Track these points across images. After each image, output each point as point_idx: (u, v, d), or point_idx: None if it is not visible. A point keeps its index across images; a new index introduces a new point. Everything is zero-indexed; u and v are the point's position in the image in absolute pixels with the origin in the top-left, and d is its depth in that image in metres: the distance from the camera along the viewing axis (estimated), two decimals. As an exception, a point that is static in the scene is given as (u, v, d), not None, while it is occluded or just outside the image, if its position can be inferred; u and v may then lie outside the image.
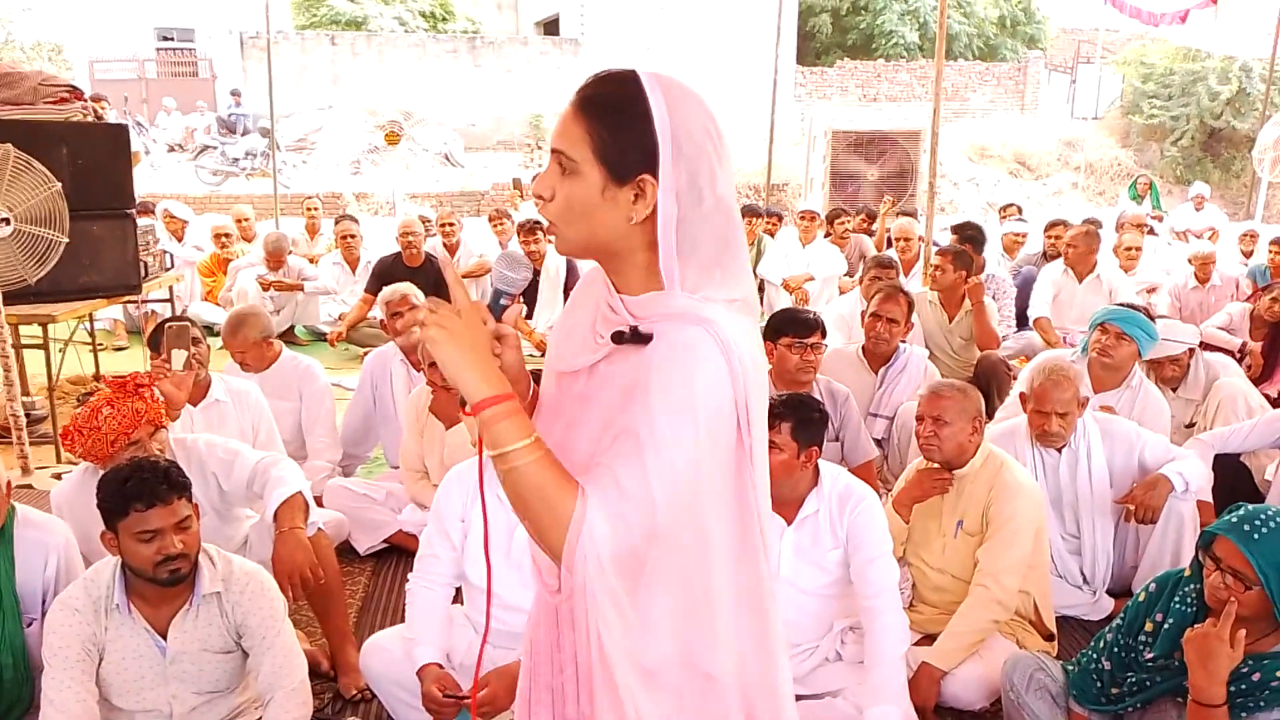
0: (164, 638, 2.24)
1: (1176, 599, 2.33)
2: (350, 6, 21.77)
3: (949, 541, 3.08)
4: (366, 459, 4.53)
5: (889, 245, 8.11)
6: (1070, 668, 2.61)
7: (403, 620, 2.99)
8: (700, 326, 1.19)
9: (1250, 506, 2.19)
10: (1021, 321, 6.50)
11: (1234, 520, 2.15)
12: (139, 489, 2.13)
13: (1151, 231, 9.52)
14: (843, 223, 8.01)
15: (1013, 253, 7.87)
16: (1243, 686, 2.14)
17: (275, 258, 7.26)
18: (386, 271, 6.53)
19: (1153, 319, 3.93)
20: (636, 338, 1.21)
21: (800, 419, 2.70)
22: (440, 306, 1.21)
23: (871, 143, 10.28)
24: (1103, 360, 3.86)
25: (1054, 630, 3.09)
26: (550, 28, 22.24)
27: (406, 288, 4.28)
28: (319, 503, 3.82)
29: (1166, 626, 2.32)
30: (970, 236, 6.40)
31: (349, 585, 3.56)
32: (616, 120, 1.20)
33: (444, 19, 22.97)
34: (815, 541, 2.74)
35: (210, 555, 2.30)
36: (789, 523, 2.74)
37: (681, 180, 1.20)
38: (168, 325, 3.49)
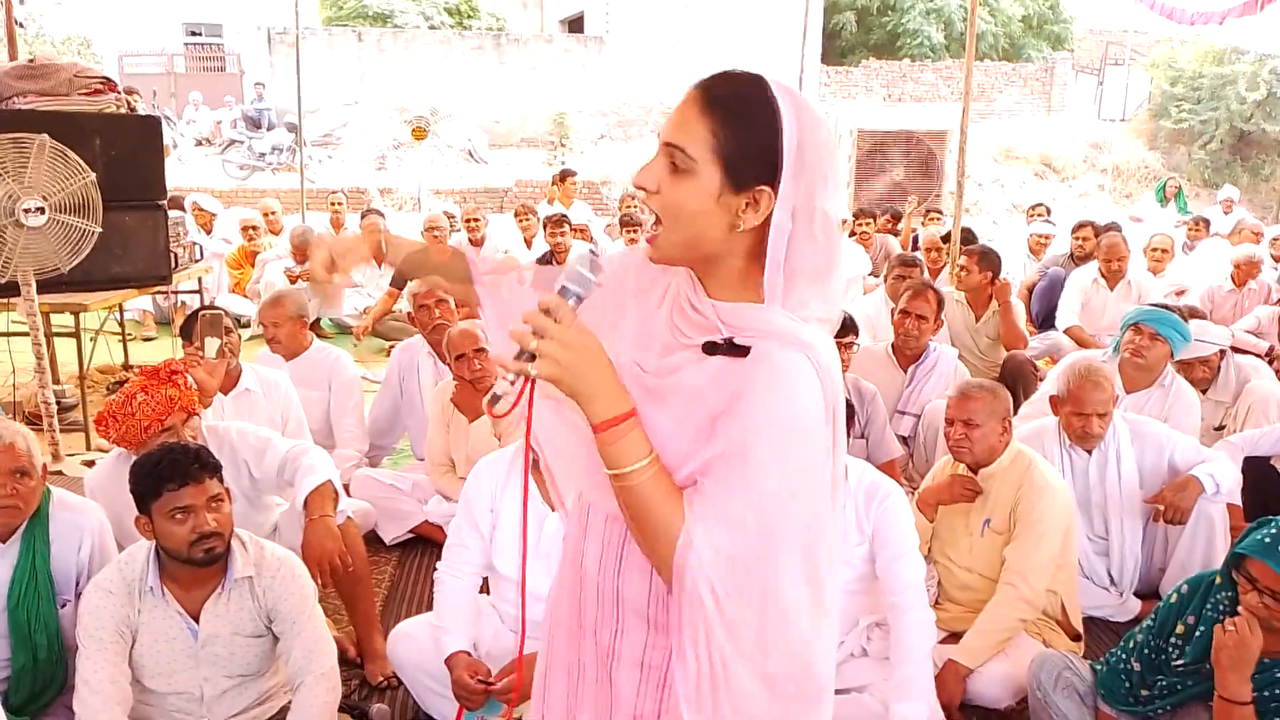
0: (196, 621, 2.27)
1: (1209, 605, 2.32)
2: (377, 2, 21.88)
3: (976, 540, 3.07)
4: (393, 450, 4.56)
5: (914, 246, 8.08)
6: (1098, 667, 2.60)
7: (429, 609, 3.02)
8: (803, 352, 1.17)
9: (1278, 522, 2.17)
10: (1047, 322, 6.46)
11: (1266, 542, 2.12)
12: (171, 469, 2.16)
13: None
14: (864, 223, 7.98)
15: (1038, 254, 7.82)
16: (1276, 691, 2.13)
17: (301, 250, 7.31)
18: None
19: (1185, 319, 3.90)
20: (733, 349, 1.19)
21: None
22: (539, 323, 1.14)
23: (896, 142, 10.23)
24: (1135, 361, 3.83)
25: (1081, 631, 3.08)
26: (575, 25, 22.26)
27: (434, 280, 4.29)
28: (346, 492, 3.86)
29: (1199, 633, 2.30)
30: (973, 239, 6.40)
31: (375, 574, 3.58)
32: (745, 124, 1.16)
33: (469, 15, 23.05)
34: (842, 536, 2.73)
35: (243, 540, 2.33)
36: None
37: (800, 195, 1.17)
38: (202, 314, 3.52)
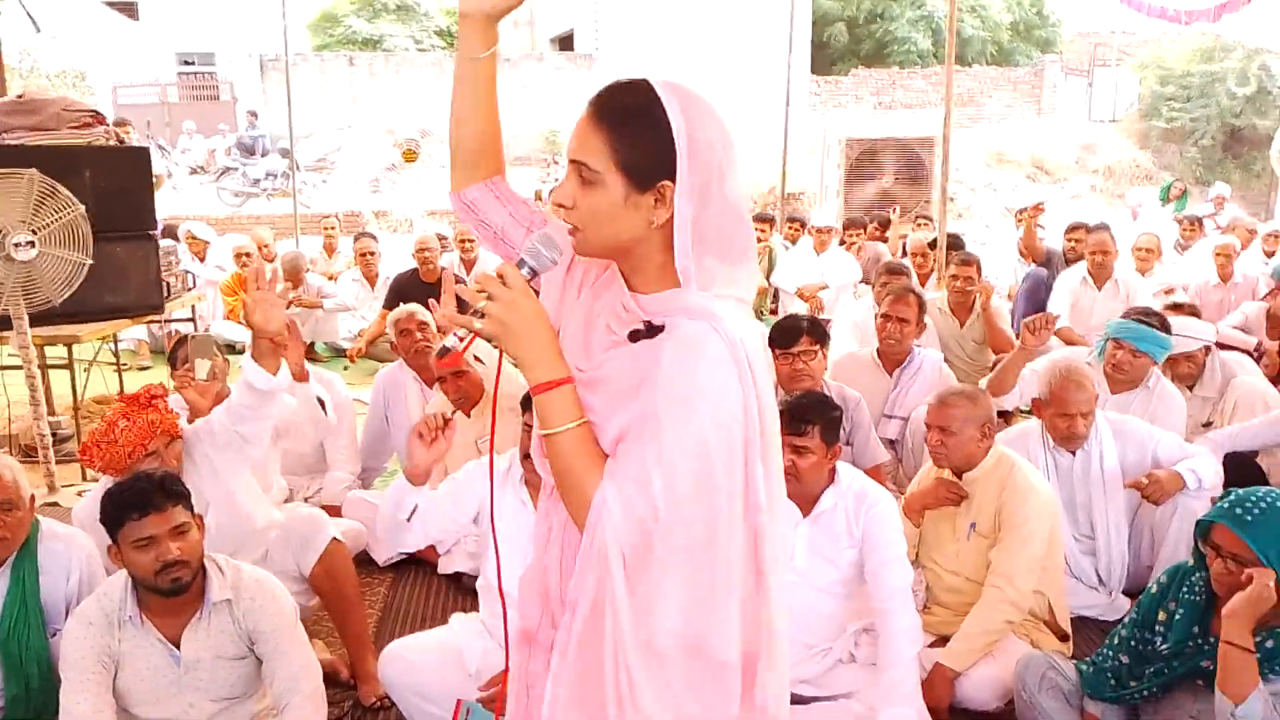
0: (177, 647, 2.28)
1: (1185, 589, 2.38)
2: (367, 27, 22.03)
3: (962, 544, 3.09)
4: (384, 471, 4.59)
5: (903, 253, 8.11)
6: (1084, 667, 2.62)
7: (423, 629, 3.04)
8: (708, 322, 1.24)
9: (1240, 491, 2.24)
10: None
11: (1226, 506, 2.21)
12: (133, 498, 2.18)
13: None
14: (854, 234, 8.02)
15: (1026, 256, 7.83)
16: (1259, 656, 2.15)
17: (293, 276, 7.36)
18: (404, 287, 6.60)
19: (1167, 327, 3.91)
20: (652, 331, 1.27)
21: (827, 420, 2.74)
22: (492, 287, 1.25)
23: (886, 150, 10.28)
24: (1117, 376, 3.87)
25: (1069, 631, 3.09)
26: (565, 43, 22.39)
27: (413, 307, 4.36)
28: (338, 513, 3.89)
29: (1178, 616, 2.35)
30: (960, 244, 6.44)
31: (368, 595, 3.60)
32: (636, 129, 1.25)
33: (460, 37, 23.18)
34: (830, 538, 2.76)
35: (219, 564, 2.35)
36: (804, 516, 2.76)
37: (697, 183, 1.25)
38: (191, 336, 3.56)
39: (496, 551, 1.49)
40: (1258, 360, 5.53)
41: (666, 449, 1.22)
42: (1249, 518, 2.14)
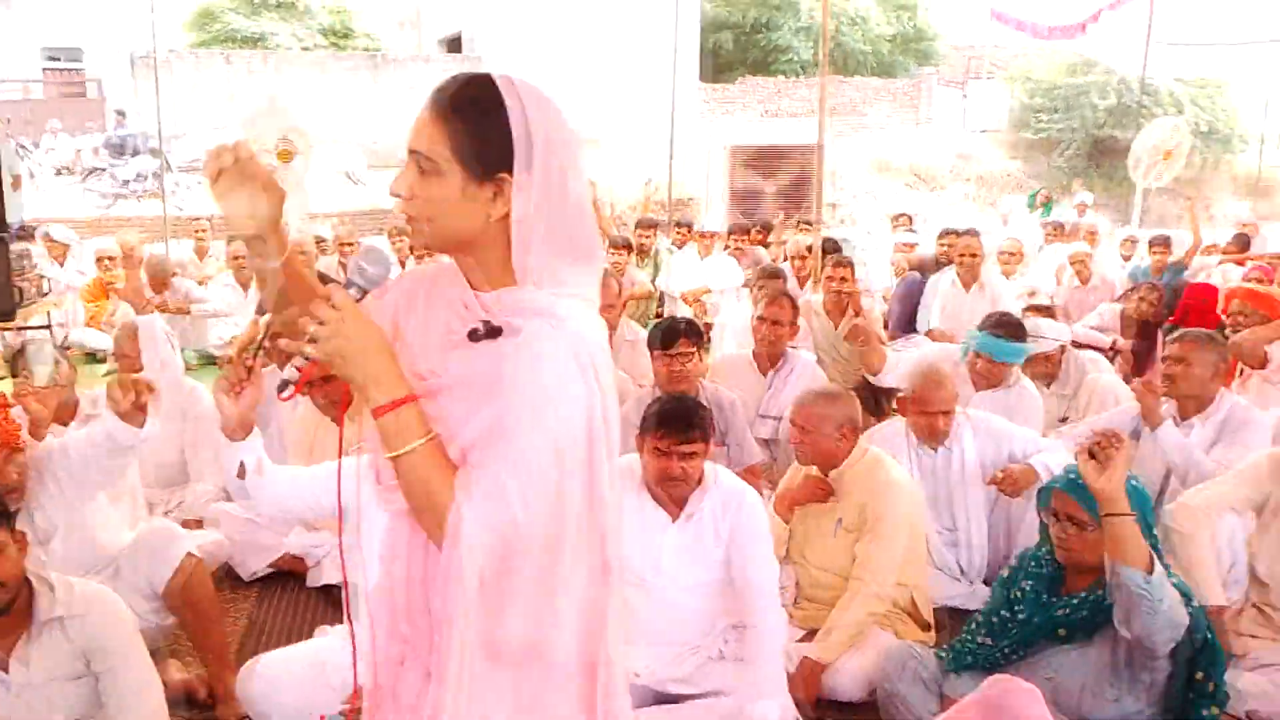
0: (5, 671, 2.16)
1: (1033, 564, 2.55)
2: (247, 24, 21.30)
3: (830, 539, 3.15)
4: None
5: (786, 258, 8.27)
6: (942, 654, 2.71)
7: (289, 643, 2.94)
8: (549, 321, 1.23)
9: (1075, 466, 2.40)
10: (909, 326, 6.70)
11: (1062, 475, 2.44)
12: None
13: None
14: (739, 240, 8.14)
15: (904, 261, 8.10)
16: (1105, 605, 2.32)
17: (158, 281, 7.05)
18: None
19: (1022, 335, 4.06)
20: (491, 332, 1.25)
21: (707, 423, 2.76)
22: (320, 312, 1.21)
23: (769, 158, 10.47)
24: (978, 382, 4.03)
25: (932, 621, 3.19)
26: (453, 45, 22.11)
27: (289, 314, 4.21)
28: (200, 525, 3.73)
29: (1030, 590, 2.51)
30: (836, 248, 6.63)
31: (233, 611, 3.47)
32: (474, 121, 1.24)
33: (345, 36, 22.64)
34: (699, 539, 2.78)
35: (49, 581, 2.23)
36: (674, 519, 2.78)
37: (537, 179, 1.25)
38: (27, 343, 3.37)
39: (344, 561, 1.44)
40: (1113, 358, 5.84)
41: (519, 457, 1.20)
42: (1081, 483, 2.31)
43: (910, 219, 9.67)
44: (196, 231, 8.49)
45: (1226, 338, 4.36)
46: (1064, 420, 4.46)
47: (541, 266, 1.26)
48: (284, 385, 1.28)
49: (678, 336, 3.78)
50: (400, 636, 1.37)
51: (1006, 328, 3.99)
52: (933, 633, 3.17)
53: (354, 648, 1.47)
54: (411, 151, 1.28)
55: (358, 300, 1.27)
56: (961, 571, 3.54)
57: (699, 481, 2.78)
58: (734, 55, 23.64)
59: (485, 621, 1.25)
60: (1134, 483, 2.36)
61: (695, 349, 3.83)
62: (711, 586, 2.80)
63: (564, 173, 1.27)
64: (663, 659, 2.79)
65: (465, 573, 1.20)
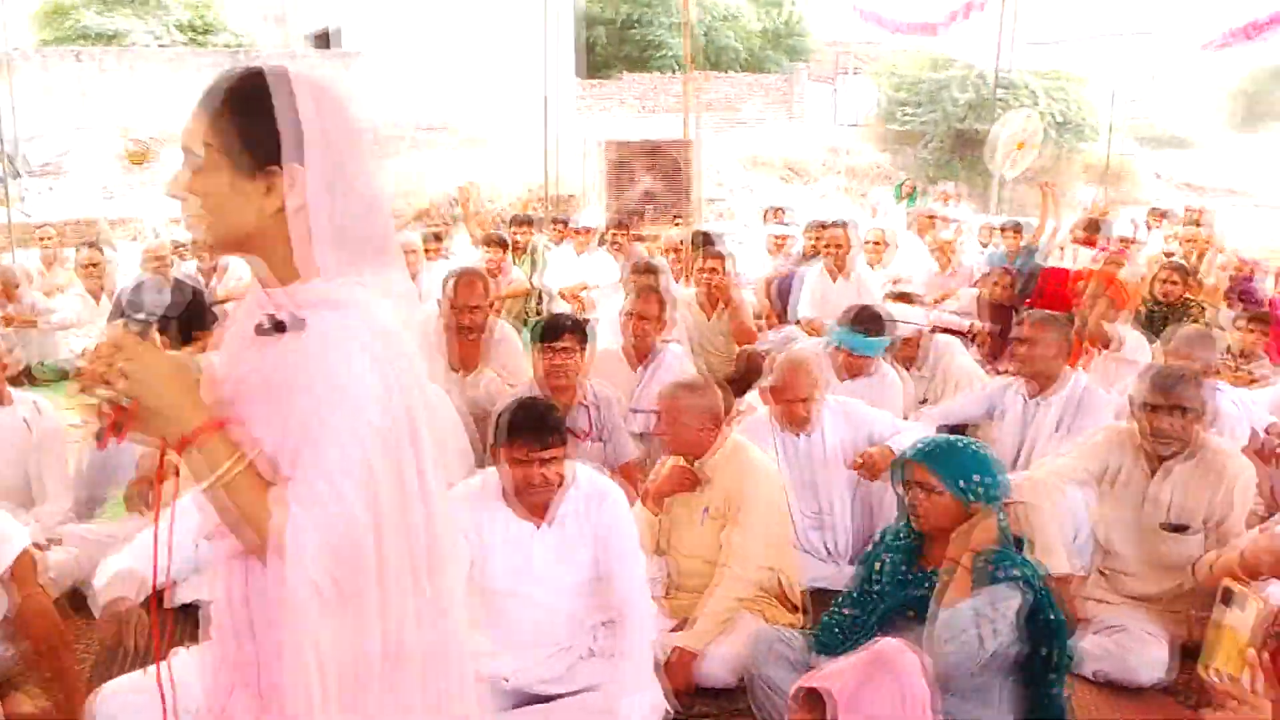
0: None
1: (894, 537, 2.65)
2: (100, 20, 20.23)
3: (699, 528, 3.20)
4: (107, 500, 4.21)
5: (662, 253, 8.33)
6: (810, 635, 2.78)
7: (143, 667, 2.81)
8: (331, 311, 1.21)
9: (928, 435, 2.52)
10: (782, 316, 6.85)
11: (916, 446, 2.56)
12: None
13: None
14: (619, 235, 8.15)
15: (777, 253, 8.26)
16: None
17: (2, 292, 6.64)
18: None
19: (880, 328, 4.18)
20: (276, 327, 1.23)
21: (562, 425, 2.73)
22: (103, 351, 1.18)
23: (646, 153, 10.52)
24: (841, 375, 4.16)
25: (800, 603, 3.27)
26: (322, 41, 21.48)
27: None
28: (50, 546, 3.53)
29: (890, 562, 2.62)
30: (711, 240, 6.73)
31: (85, 635, 3.29)
32: (240, 114, 1.24)
33: (205, 31, 21.74)
34: (566, 542, 2.77)
35: None
36: (540, 524, 2.76)
37: (311, 171, 1.23)
38: None
39: (153, 575, 1.38)
40: (972, 341, 6.09)
41: (323, 456, 1.18)
42: (932, 449, 2.47)
43: (783, 212, 9.87)
44: (41, 239, 8.02)
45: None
46: (924, 401, 4.63)
47: (328, 260, 1.24)
48: (100, 434, 1.23)
49: (561, 331, 3.78)
50: (229, 659, 1.32)
51: (865, 322, 4.11)
52: (802, 615, 3.24)
53: (158, 669, 1.44)
54: (183, 149, 1.28)
55: (138, 333, 1.24)
56: (829, 553, 3.64)
57: (563, 483, 2.76)
58: (611, 51, 23.67)
59: (326, 633, 1.21)
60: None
61: (578, 346, 3.82)
62: (582, 586, 2.80)
63: (343, 166, 1.25)
64: (534, 661, 2.77)
65: (297, 587, 1.17)
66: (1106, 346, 4.69)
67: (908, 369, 4.62)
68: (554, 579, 2.77)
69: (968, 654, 2.29)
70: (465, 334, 3.85)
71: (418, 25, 19.08)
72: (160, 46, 19.79)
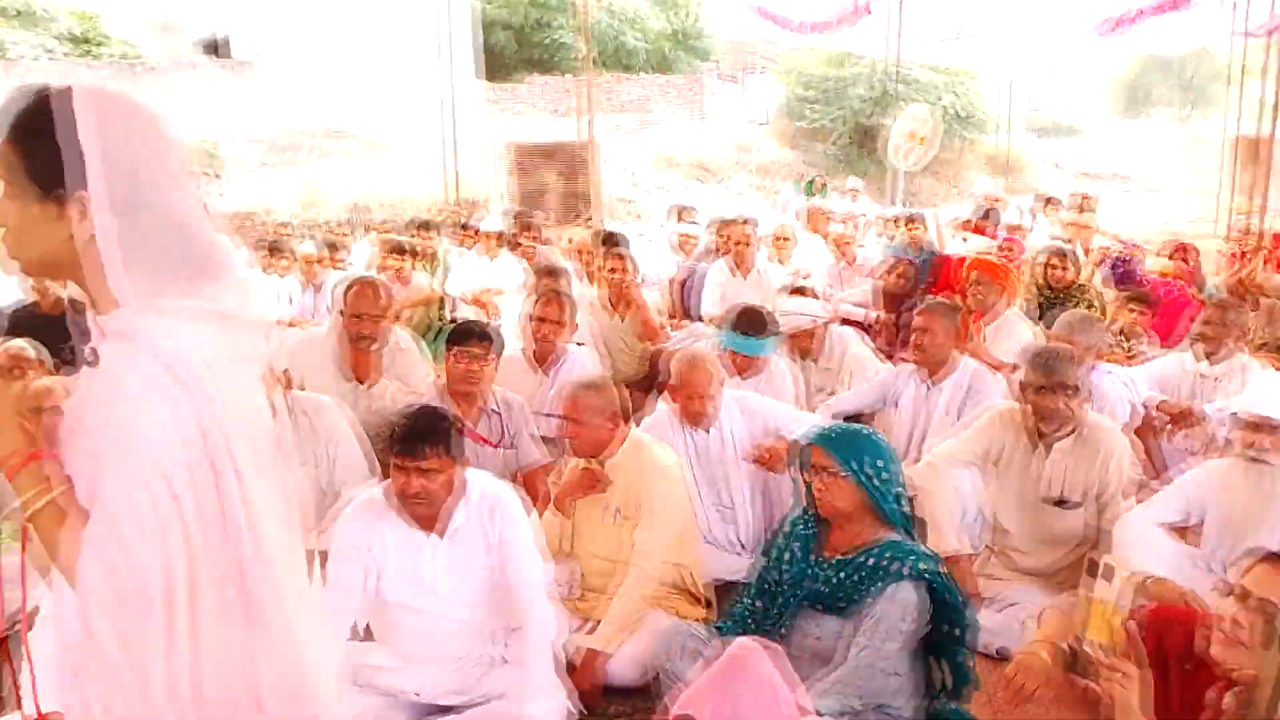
0: None
1: (796, 525, 2.69)
2: (-19, 34, 19.35)
3: (607, 528, 3.20)
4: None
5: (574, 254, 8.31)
6: (721, 625, 2.81)
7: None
8: (126, 344, 1.18)
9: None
10: (689, 313, 6.90)
11: (814, 432, 2.62)
12: None
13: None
14: (527, 237, 8.11)
15: (685, 251, 8.33)
16: (859, 574, 2.46)
17: None
18: (20, 323, 5.84)
19: (764, 327, 4.18)
20: (96, 359, 1.20)
21: (446, 435, 2.68)
22: None
23: (553, 155, 10.50)
24: (733, 374, 4.15)
25: (710, 598, 3.29)
26: (219, 49, 20.90)
27: (19, 345, 3.88)
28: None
29: (793, 551, 2.65)
30: (615, 241, 6.74)
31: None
32: (22, 140, 1.21)
33: (99, 44, 20.96)
34: (466, 551, 2.74)
35: None
36: (441, 536, 2.73)
37: (101, 196, 1.18)
38: None
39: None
40: (875, 333, 6.21)
41: (111, 494, 1.15)
42: (832, 435, 2.54)
43: (689, 210, 9.94)
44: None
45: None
46: (829, 392, 4.71)
47: (124, 287, 1.20)
48: None
49: (470, 337, 3.75)
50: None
51: (751, 325, 4.13)
52: (711, 609, 3.27)
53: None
54: None
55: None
56: (740, 546, 3.67)
57: (449, 493, 2.68)
58: (518, 54, 23.56)
59: (104, 682, 1.18)
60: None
61: (488, 352, 3.79)
62: (481, 595, 2.77)
63: (140, 186, 1.20)
64: (440, 673, 2.75)
65: (91, 626, 1.15)
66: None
67: (810, 361, 4.70)
68: (452, 590, 2.74)
69: (898, 670, 2.38)
70: (361, 343, 3.78)
71: (311, 31, 18.74)
72: (50, 60, 19.03)
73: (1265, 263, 6.83)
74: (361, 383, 3.85)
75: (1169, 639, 1.87)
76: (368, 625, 2.87)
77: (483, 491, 2.77)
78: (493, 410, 3.77)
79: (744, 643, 2.02)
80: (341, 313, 3.85)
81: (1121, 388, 3.99)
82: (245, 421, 1.24)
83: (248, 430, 1.24)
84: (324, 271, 6.78)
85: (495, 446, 3.72)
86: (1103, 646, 1.65)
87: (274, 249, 7.15)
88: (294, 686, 1.28)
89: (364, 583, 2.69)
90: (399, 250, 7.20)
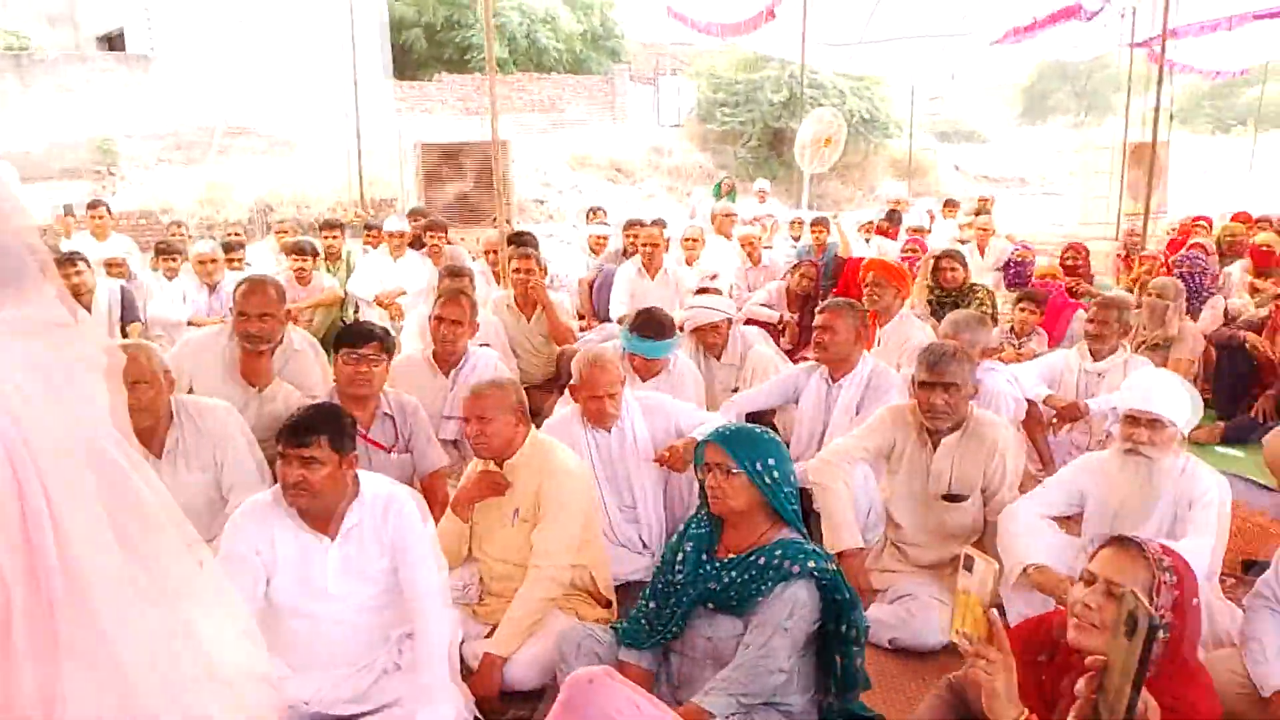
0: None
1: (693, 525, 2.69)
2: None
3: (508, 531, 3.17)
4: None
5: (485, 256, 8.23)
6: (619, 625, 2.80)
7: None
8: None
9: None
10: (601, 315, 6.90)
11: (712, 431, 2.62)
12: None
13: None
14: (434, 237, 8.00)
15: (597, 252, 8.33)
16: (751, 573, 2.48)
17: None
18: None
19: (665, 330, 4.19)
20: None
21: (335, 428, 2.64)
22: None
23: (462, 155, 10.39)
24: (637, 377, 4.21)
25: (612, 598, 3.29)
26: (115, 42, 20.14)
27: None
28: None
29: (689, 550, 2.65)
30: (523, 241, 6.72)
31: None
32: None
33: (-13, 38, 20.00)
34: (361, 554, 2.69)
35: None
36: (333, 538, 2.67)
37: None
38: None
39: None
40: (782, 332, 6.31)
41: None
42: (727, 433, 2.54)
43: (602, 212, 9.95)
44: None
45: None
46: (735, 390, 4.76)
47: None
48: None
49: (362, 339, 3.66)
50: None
51: (651, 328, 4.14)
52: (614, 609, 3.27)
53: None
54: None
55: None
56: (644, 546, 3.68)
57: (332, 490, 2.62)
58: (429, 53, 23.25)
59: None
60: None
61: (380, 354, 3.71)
62: (377, 599, 2.72)
63: None
64: (334, 681, 2.68)
65: None
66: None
67: (715, 357, 4.75)
68: (347, 594, 2.69)
69: (783, 667, 2.40)
70: (255, 344, 3.67)
71: (212, 25, 18.21)
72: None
73: (1158, 265, 7.12)
74: (254, 386, 3.73)
75: (1036, 634, 1.94)
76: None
77: (376, 494, 2.73)
78: (386, 413, 3.70)
79: (579, 676, 2.01)
80: (235, 312, 3.73)
81: (1005, 384, 4.11)
82: (70, 438, 1.17)
83: (73, 446, 1.18)
84: (220, 272, 6.58)
85: (388, 451, 3.65)
86: (969, 636, 1.69)
87: (163, 249, 6.92)
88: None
89: (255, 588, 2.62)
90: (300, 250, 7.04)
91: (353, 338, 3.64)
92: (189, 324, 6.26)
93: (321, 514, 2.65)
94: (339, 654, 2.71)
